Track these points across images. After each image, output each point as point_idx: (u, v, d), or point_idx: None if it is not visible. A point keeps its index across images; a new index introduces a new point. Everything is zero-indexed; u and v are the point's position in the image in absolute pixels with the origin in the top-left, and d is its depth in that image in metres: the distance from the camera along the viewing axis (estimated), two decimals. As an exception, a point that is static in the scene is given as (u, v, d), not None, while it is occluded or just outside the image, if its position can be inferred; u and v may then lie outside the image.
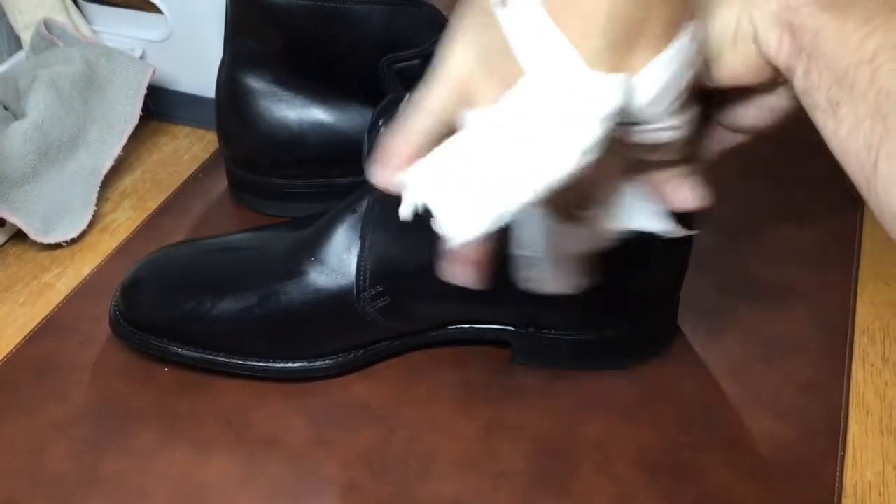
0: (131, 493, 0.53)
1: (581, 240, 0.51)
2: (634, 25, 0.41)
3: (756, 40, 0.45)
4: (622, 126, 0.43)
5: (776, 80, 0.46)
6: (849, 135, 0.41)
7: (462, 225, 0.43)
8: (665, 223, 0.50)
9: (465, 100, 0.45)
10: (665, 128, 0.44)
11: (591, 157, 0.41)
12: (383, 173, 0.46)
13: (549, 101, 0.42)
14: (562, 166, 0.41)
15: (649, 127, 0.44)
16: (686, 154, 0.47)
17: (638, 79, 0.42)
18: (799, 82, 0.44)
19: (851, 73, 0.41)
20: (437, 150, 0.44)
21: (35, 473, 0.54)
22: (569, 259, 0.53)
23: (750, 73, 0.47)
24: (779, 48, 0.45)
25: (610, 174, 0.48)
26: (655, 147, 0.45)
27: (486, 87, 0.44)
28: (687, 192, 0.48)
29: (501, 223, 0.43)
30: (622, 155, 0.46)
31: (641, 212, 0.50)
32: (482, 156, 0.43)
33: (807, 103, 0.44)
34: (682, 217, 0.50)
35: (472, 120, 0.44)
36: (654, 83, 0.42)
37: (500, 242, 0.48)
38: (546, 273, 0.53)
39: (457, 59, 0.45)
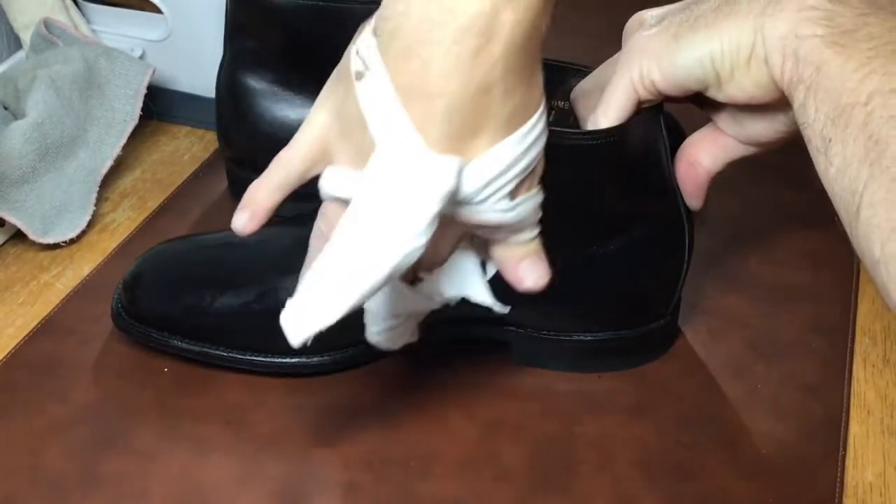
0: (131, 492, 0.53)
1: (418, 302, 0.53)
2: (473, 117, 0.43)
3: (767, 62, 0.45)
4: (456, 204, 0.44)
5: (785, 99, 0.46)
6: (837, 175, 0.41)
7: (312, 317, 0.45)
8: (489, 298, 0.53)
9: (325, 158, 0.47)
10: (495, 210, 0.45)
11: (427, 237, 0.43)
12: (241, 218, 0.48)
13: (391, 179, 0.43)
14: (400, 248, 0.43)
15: (481, 208, 0.45)
16: (528, 235, 0.48)
17: (472, 164, 0.43)
18: (796, 114, 0.44)
19: (847, 113, 0.41)
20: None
21: (35, 473, 0.54)
22: (409, 318, 0.53)
23: (761, 93, 0.46)
24: (781, 74, 0.44)
25: (451, 239, 0.50)
26: (491, 226, 0.46)
27: (342, 150, 0.46)
28: (524, 272, 0.48)
29: (353, 308, 0.44)
30: (462, 226, 0.47)
31: (472, 283, 0.53)
32: (334, 243, 0.44)
33: (804, 135, 0.44)
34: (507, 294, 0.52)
35: (329, 179, 0.46)
36: (484, 169, 0.44)
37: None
38: (389, 330, 0.53)
39: (319, 120, 0.47)
